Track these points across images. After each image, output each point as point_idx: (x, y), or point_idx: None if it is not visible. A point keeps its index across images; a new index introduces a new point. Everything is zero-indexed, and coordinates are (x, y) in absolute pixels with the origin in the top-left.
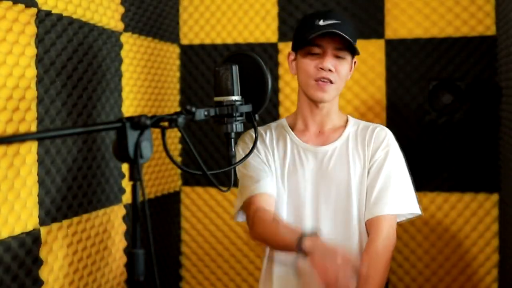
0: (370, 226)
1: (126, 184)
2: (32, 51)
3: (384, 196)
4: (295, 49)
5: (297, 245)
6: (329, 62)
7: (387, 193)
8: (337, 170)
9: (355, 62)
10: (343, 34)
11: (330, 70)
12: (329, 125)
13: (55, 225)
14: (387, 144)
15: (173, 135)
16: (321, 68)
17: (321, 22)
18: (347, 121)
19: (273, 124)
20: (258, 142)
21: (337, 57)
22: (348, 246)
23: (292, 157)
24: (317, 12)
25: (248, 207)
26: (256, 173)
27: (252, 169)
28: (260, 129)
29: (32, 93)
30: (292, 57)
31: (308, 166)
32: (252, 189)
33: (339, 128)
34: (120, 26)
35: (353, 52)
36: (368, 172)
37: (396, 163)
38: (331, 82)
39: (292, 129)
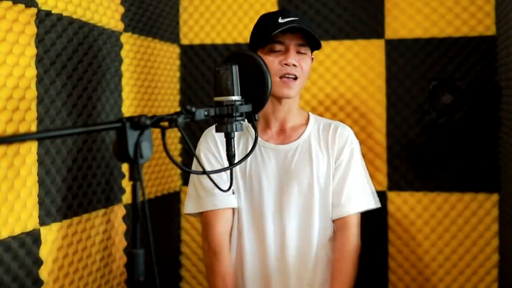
0: (341, 225)
1: (126, 184)
2: (32, 51)
3: (354, 195)
4: (255, 48)
5: None
6: (293, 57)
7: (357, 191)
8: (299, 169)
9: (313, 58)
10: (306, 28)
11: (294, 65)
12: (290, 123)
13: (55, 225)
14: (351, 142)
15: (173, 135)
16: (286, 64)
17: (281, 20)
18: (308, 118)
19: None
20: (210, 147)
21: (299, 52)
22: (308, 242)
23: (254, 156)
24: (275, 11)
25: (205, 221)
26: (210, 185)
27: (206, 180)
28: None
29: (32, 93)
30: None
31: (270, 165)
32: (208, 203)
33: (300, 126)
34: (120, 26)
35: (313, 47)
36: (335, 170)
37: (360, 161)
38: (295, 77)
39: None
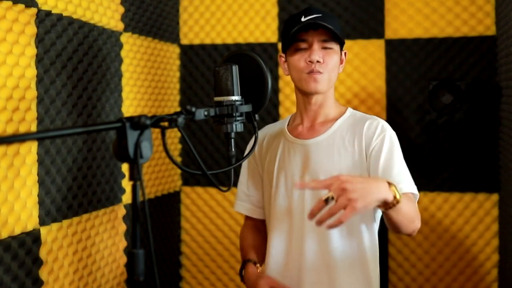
0: None
1: (126, 184)
2: (32, 51)
3: (401, 177)
4: (284, 50)
5: (240, 269)
6: (317, 54)
7: (401, 173)
8: (321, 163)
9: (345, 53)
10: (324, 23)
11: (318, 62)
12: (321, 118)
13: (55, 225)
14: (382, 130)
15: (173, 135)
16: (310, 62)
17: (303, 18)
18: (343, 113)
19: (279, 122)
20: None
21: (324, 48)
22: (325, 240)
23: (282, 153)
24: (300, 11)
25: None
26: (241, 189)
27: (240, 183)
28: (264, 129)
29: (32, 93)
30: (283, 59)
31: (296, 160)
32: (239, 206)
33: (331, 120)
34: (120, 26)
35: (340, 42)
36: (371, 160)
37: (397, 149)
38: (321, 73)
39: (291, 124)
